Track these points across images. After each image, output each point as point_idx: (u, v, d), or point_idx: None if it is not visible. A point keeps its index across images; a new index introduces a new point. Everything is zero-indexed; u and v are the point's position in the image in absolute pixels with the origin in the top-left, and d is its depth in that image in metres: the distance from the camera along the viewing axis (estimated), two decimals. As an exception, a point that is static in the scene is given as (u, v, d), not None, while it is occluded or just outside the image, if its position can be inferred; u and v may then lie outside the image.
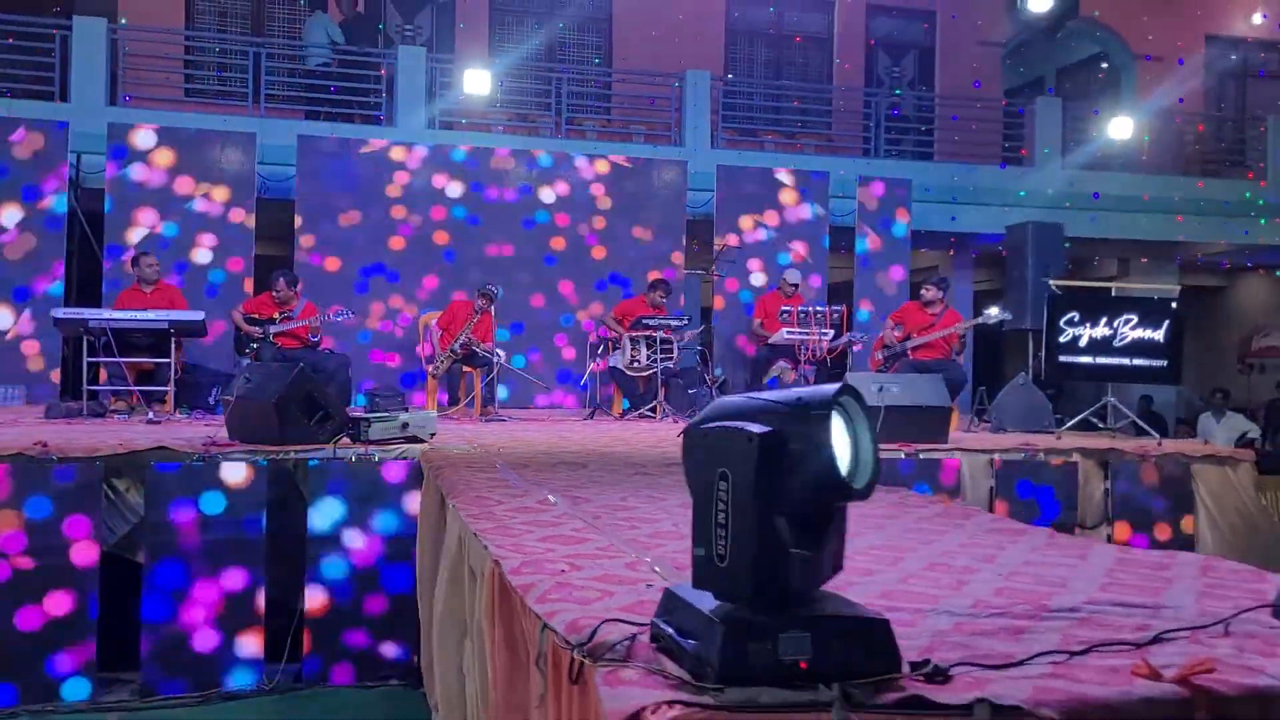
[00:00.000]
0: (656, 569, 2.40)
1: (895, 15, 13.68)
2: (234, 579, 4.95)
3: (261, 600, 4.99)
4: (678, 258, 9.88)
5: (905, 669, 1.61)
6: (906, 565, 2.53)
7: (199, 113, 10.24)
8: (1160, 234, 12.02)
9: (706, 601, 1.65)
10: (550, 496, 3.56)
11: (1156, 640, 1.86)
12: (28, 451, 4.85)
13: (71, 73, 9.95)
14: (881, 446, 5.42)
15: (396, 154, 9.52)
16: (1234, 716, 1.58)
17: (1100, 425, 7.14)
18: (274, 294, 7.97)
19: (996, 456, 6.15)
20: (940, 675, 1.62)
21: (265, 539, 5.03)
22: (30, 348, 8.61)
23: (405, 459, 5.28)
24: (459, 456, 4.96)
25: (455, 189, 9.59)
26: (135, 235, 8.84)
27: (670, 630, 1.67)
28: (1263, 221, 12.14)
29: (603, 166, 9.91)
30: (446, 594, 3.42)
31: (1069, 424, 7.09)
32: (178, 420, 7.08)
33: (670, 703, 1.48)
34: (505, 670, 2.42)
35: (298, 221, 9.20)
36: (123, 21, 10.97)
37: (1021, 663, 1.71)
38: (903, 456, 5.98)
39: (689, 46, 12.33)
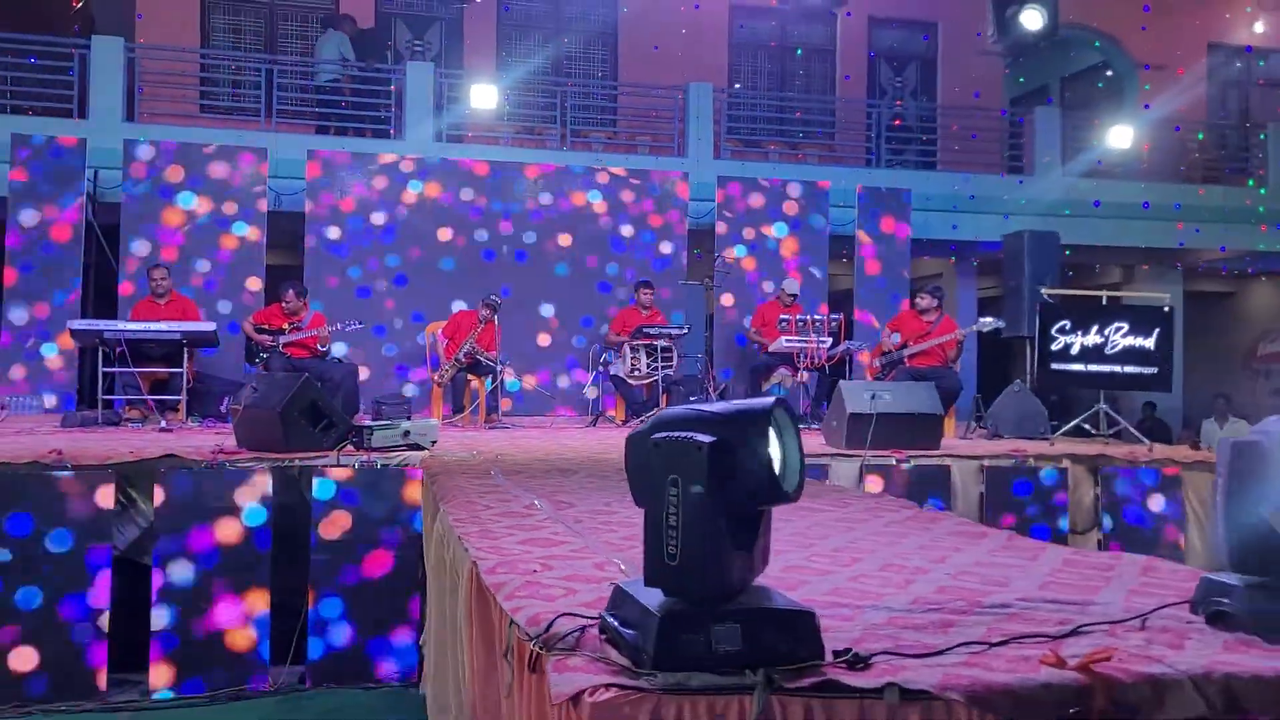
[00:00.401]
0: (623, 568, 2.55)
1: (897, 27, 13.83)
2: (241, 584, 5.12)
3: (267, 604, 5.16)
4: (679, 267, 10.05)
5: (828, 657, 1.76)
6: (862, 565, 2.67)
7: (213, 128, 10.48)
8: (1160, 241, 12.11)
9: (651, 597, 1.80)
10: (535, 501, 3.71)
11: (1075, 633, 2.00)
12: (43, 459, 5.05)
13: (90, 90, 10.21)
14: (874, 453, 5.53)
15: (405, 167, 9.73)
16: (1129, 701, 1.72)
17: (1093, 432, 7.24)
18: (284, 305, 8.17)
19: (986, 462, 6.26)
20: (860, 663, 1.76)
21: (272, 544, 5.20)
22: (48, 359, 8.85)
23: (407, 466, 5.45)
24: (456, 463, 5.12)
25: (462, 201, 9.79)
26: (149, 248, 9.07)
27: (615, 623, 1.82)
28: (1264, 228, 12.20)
29: (606, 178, 10.09)
30: (436, 596, 3.58)
31: (1061, 430, 7.20)
32: (189, 428, 7.28)
33: (607, 685, 1.63)
34: (481, 665, 2.57)
35: (307, 233, 9.42)
36: (139, 41, 11.22)
37: (941, 652, 1.85)
38: (894, 463, 6.12)
39: (693, 59, 12.50)
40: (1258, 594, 1.99)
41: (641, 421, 2.59)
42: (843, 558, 2.77)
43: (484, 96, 10.83)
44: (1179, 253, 12.71)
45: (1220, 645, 1.94)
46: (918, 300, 8.33)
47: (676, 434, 1.77)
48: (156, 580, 5.03)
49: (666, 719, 1.60)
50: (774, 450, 1.80)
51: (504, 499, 3.83)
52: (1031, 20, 7.44)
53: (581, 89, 12.55)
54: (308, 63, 11.48)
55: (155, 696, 4.96)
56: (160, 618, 5.00)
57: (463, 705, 2.92)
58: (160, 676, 4.98)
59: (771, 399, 1.86)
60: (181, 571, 5.05)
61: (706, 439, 1.74)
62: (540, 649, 1.87)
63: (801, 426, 8.03)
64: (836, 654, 1.78)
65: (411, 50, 12.10)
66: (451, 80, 11.26)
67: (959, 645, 1.89)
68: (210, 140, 9.63)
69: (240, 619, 5.11)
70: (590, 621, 1.91)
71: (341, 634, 5.21)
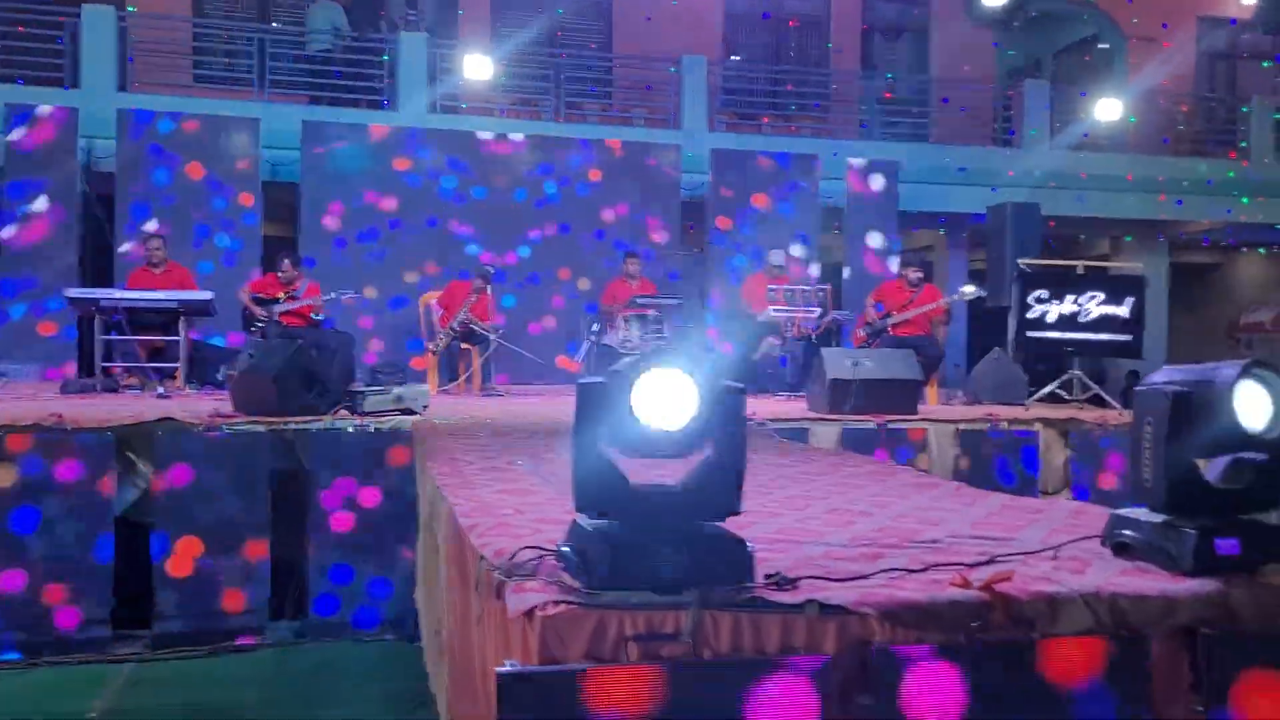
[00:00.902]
0: (520, 463, 2.73)
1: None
2: (240, 540, 5.32)
3: (267, 560, 5.36)
4: (669, 238, 10.21)
5: (759, 580, 1.96)
6: (812, 510, 2.87)
7: (206, 98, 10.59)
8: (1144, 213, 12.27)
9: (602, 527, 1.99)
10: (517, 459, 3.91)
11: (990, 563, 2.19)
12: (44, 423, 5.23)
13: (82, 60, 10.30)
14: (854, 418, 5.71)
15: (398, 138, 9.87)
16: (1026, 616, 1.92)
17: (1067, 397, 7.44)
18: (280, 274, 8.33)
19: (961, 426, 6.46)
20: (788, 584, 1.96)
21: (269, 502, 5.40)
22: (46, 327, 9.02)
23: (399, 430, 5.64)
24: (445, 426, 5.32)
25: (455, 172, 9.93)
26: (143, 218, 9.21)
27: (569, 551, 2.02)
28: (1245, 200, 12.36)
29: (601, 150, 10.23)
30: (424, 546, 3.79)
31: (1036, 396, 7.40)
32: (187, 394, 7.45)
33: (556, 602, 1.82)
34: (459, 602, 2.78)
35: (302, 204, 9.56)
36: (131, 9, 11.30)
37: (864, 577, 2.04)
38: (873, 427, 6.32)
39: (687, 31, 12.60)
40: (1159, 529, 2.19)
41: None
42: (796, 503, 2.97)
43: (478, 67, 10.94)
44: (1163, 224, 12.88)
45: (1118, 571, 2.14)
46: (907, 273, 8.52)
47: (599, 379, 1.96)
48: (156, 538, 5.21)
49: (608, 630, 1.79)
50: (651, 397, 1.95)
51: (487, 456, 4.02)
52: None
53: (576, 60, 12.65)
54: (300, 33, 11.58)
55: (157, 648, 5.16)
56: (162, 574, 5.19)
57: (443, 646, 3.13)
58: (162, 629, 5.17)
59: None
60: (180, 530, 5.23)
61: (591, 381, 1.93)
62: (504, 577, 2.07)
63: (790, 394, 8.23)
64: (767, 577, 1.98)
65: (406, 20, 12.19)
66: (445, 51, 11.36)
67: (881, 572, 2.09)
68: (204, 110, 9.75)
69: (240, 574, 5.30)
70: (549, 552, 2.11)
71: (337, 590, 5.40)
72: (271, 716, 4.33)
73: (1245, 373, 2.09)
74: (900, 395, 6.64)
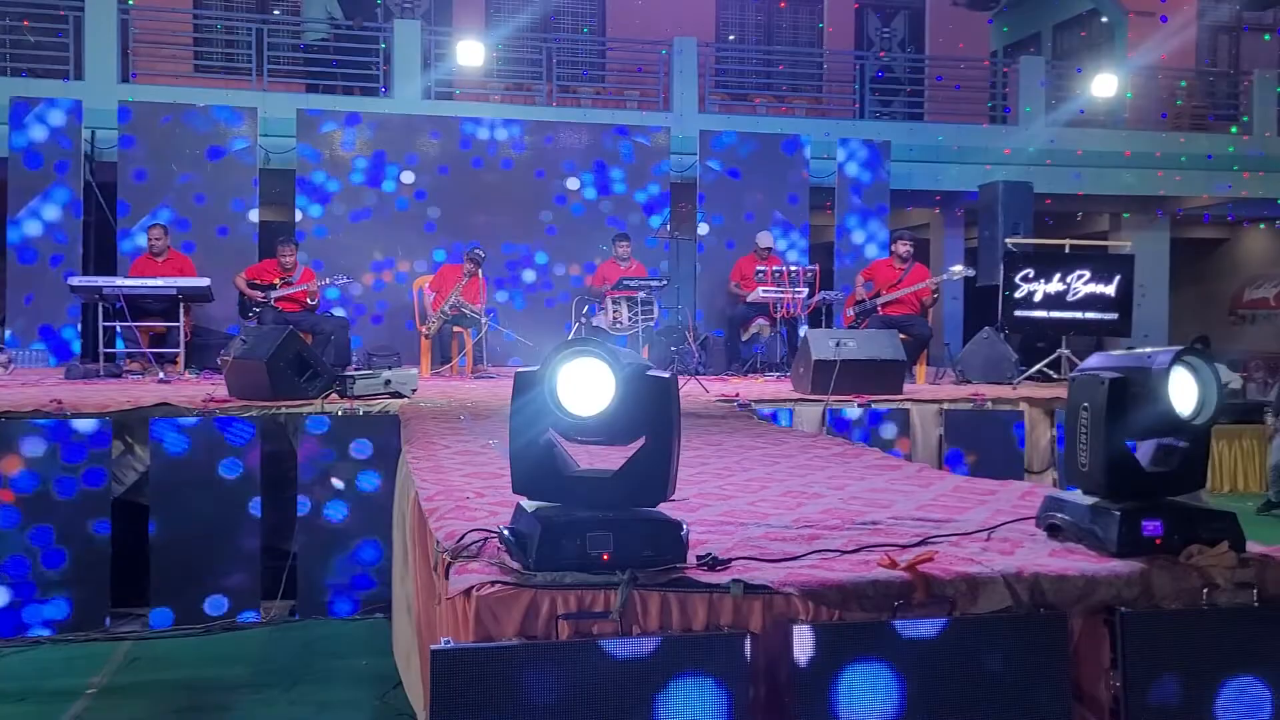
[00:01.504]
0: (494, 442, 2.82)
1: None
2: (233, 522, 5.43)
3: (258, 542, 5.48)
4: (660, 219, 10.26)
5: (691, 561, 2.04)
6: (766, 492, 2.95)
7: (205, 88, 10.67)
8: (1142, 189, 12.23)
9: (541, 511, 2.08)
10: (491, 442, 3.99)
11: (923, 544, 2.27)
12: (44, 408, 5.35)
13: (84, 51, 10.38)
14: (837, 398, 5.78)
15: (393, 124, 9.93)
16: (947, 595, 2.00)
17: (1055, 376, 7.49)
18: (280, 260, 8.43)
19: (945, 406, 6.52)
20: (720, 564, 2.05)
21: (260, 486, 5.51)
22: (51, 314, 9.15)
23: (388, 413, 5.74)
24: (429, 409, 5.41)
25: (449, 157, 9.99)
26: (145, 207, 9.31)
27: (510, 534, 2.10)
28: (1246, 175, 12.32)
29: (592, 133, 10.27)
30: (398, 528, 3.89)
31: (1024, 375, 7.45)
32: (186, 379, 7.58)
33: (493, 582, 1.92)
34: (425, 581, 2.87)
35: (298, 190, 9.65)
36: (131, 1, 11.37)
37: (795, 558, 2.13)
38: (856, 406, 6.38)
39: (681, 12, 12.58)
40: (1087, 511, 2.26)
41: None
42: (752, 486, 3.05)
43: (471, 53, 10.98)
44: (1161, 201, 12.84)
45: (1046, 552, 2.22)
46: (896, 247, 8.53)
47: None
48: (153, 520, 5.33)
49: (541, 608, 1.89)
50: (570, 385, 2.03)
51: (463, 439, 4.12)
52: None
53: (569, 44, 12.66)
54: (297, 22, 11.62)
55: (154, 628, 5.29)
56: (159, 555, 5.31)
57: (414, 623, 3.23)
58: (159, 608, 5.31)
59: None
60: (176, 511, 5.35)
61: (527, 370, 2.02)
62: (450, 558, 2.16)
63: (779, 375, 8.28)
64: (699, 558, 2.06)
65: (400, 8, 12.22)
66: (439, 37, 11.39)
67: (813, 552, 2.17)
68: (203, 100, 9.83)
69: (234, 556, 5.42)
70: (492, 534, 2.20)
71: (326, 570, 5.52)
72: (263, 689, 4.45)
73: (1177, 360, 2.15)
74: (885, 375, 6.70)
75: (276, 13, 12.33)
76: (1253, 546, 2.21)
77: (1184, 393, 2.19)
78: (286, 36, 11.43)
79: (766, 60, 13.20)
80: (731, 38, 13.47)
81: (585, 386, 1.95)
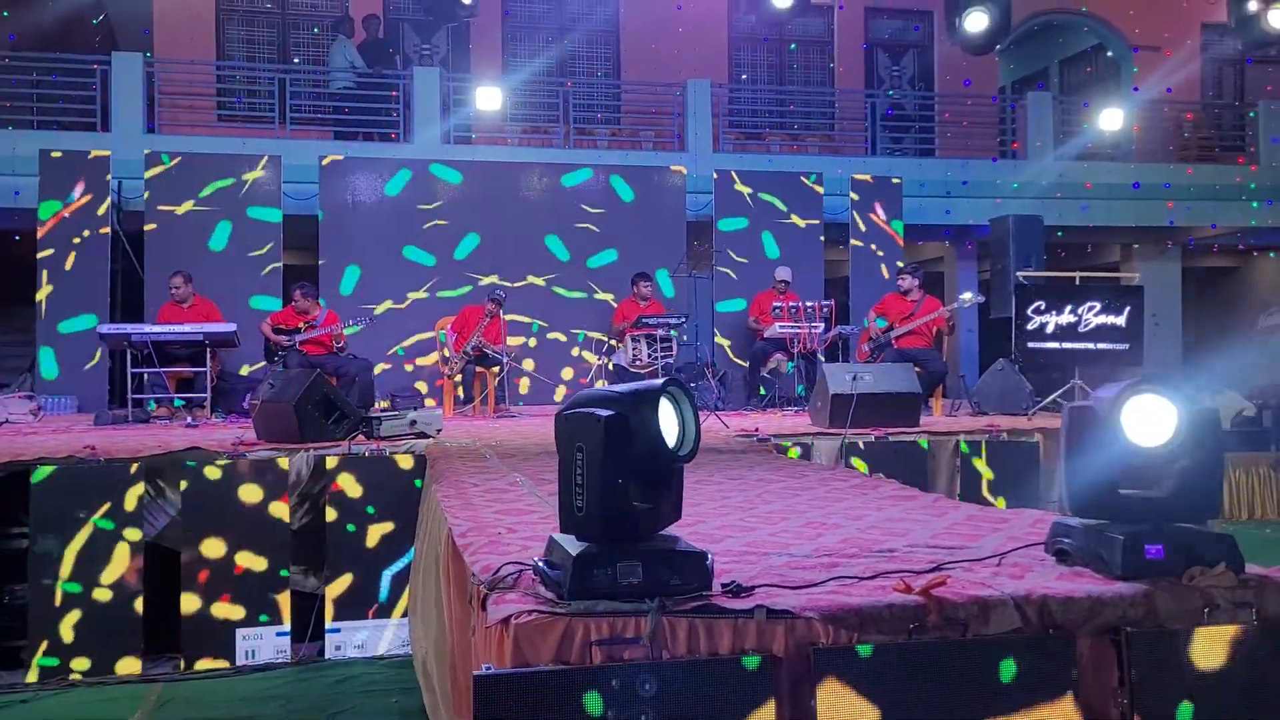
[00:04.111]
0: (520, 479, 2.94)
1: (893, 16, 14.12)
2: (262, 564, 5.55)
3: (287, 582, 5.59)
4: (677, 258, 10.42)
5: (716, 589, 2.15)
6: (787, 524, 3.05)
7: (230, 137, 10.96)
8: (1151, 220, 12.36)
9: (574, 543, 2.19)
10: (518, 479, 4.11)
11: (938, 569, 2.37)
12: (78, 454, 5.50)
13: (112, 104, 10.70)
14: (854, 430, 5.89)
15: (413, 169, 10.17)
16: (959, 618, 2.10)
17: (1069, 407, 7.55)
18: (295, 305, 8.62)
19: (961, 438, 6.60)
20: (743, 591, 2.15)
21: (290, 527, 5.63)
22: (80, 361, 9.36)
23: (413, 453, 5.86)
24: (455, 449, 5.54)
25: (469, 200, 10.21)
26: (171, 255, 9.55)
27: (544, 566, 2.22)
28: (1254, 205, 12.42)
29: (609, 174, 10.49)
30: (422, 566, 4.00)
31: (1039, 406, 7.53)
32: (214, 423, 7.74)
33: (530, 611, 2.03)
34: (458, 615, 2.98)
35: (321, 235, 9.88)
36: (158, 55, 11.72)
37: (815, 585, 2.23)
38: (873, 439, 6.47)
39: (694, 55, 12.85)
40: (1091, 534, 2.36)
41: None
42: (773, 518, 3.16)
43: (489, 99, 11.24)
44: (1171, 231, 12.95)
45: (1055, 575, 2.31)
46: (899, 282, 8.67)
47: (581, 409, 2.17)
48: (184, 563, 5.45)
49: (575, 635, 1.99)
50: (668, 421, 2.19)
51: (490, 478, 4.24)
52: (976, 23, 7.70)
53: (585, 87, 12.93)
54: (318, 71, 11.93)
55: (186, 669, 5.40)
56: (190, 597, 5.43)
57: (444, 654, 3.33)
58: (190, 650, 5.41)
59: (663, 379, 2.25)
60: (207, 554, 5.47)
61: (604, 413, 2.13)
62: (487, 590, 2.27)
63: (797, 409, 8.39)
64: (724, 585, 2.17)
65: (420, 55, 12.52)
66: (458, 84, 11.67)
67: (832, 579, 2.28)
68: (227, 149, 10.10)
69: (263, 597, 5.53)
70: (527, 566, 2.31)
71: (355, 610, 5.62)
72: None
73: (1134, 388, 2.25)
74: (901, 408, 6.80)
75: (297, 60, 12.65)
76: (1251, 568, 2.30)
77: (1154, 420, 2.28)
78: (308, 86, 11.72)
79: (779, 100, 13.43)
80: (744, 77, 13.72)
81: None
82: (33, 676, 5.18)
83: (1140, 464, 2.26)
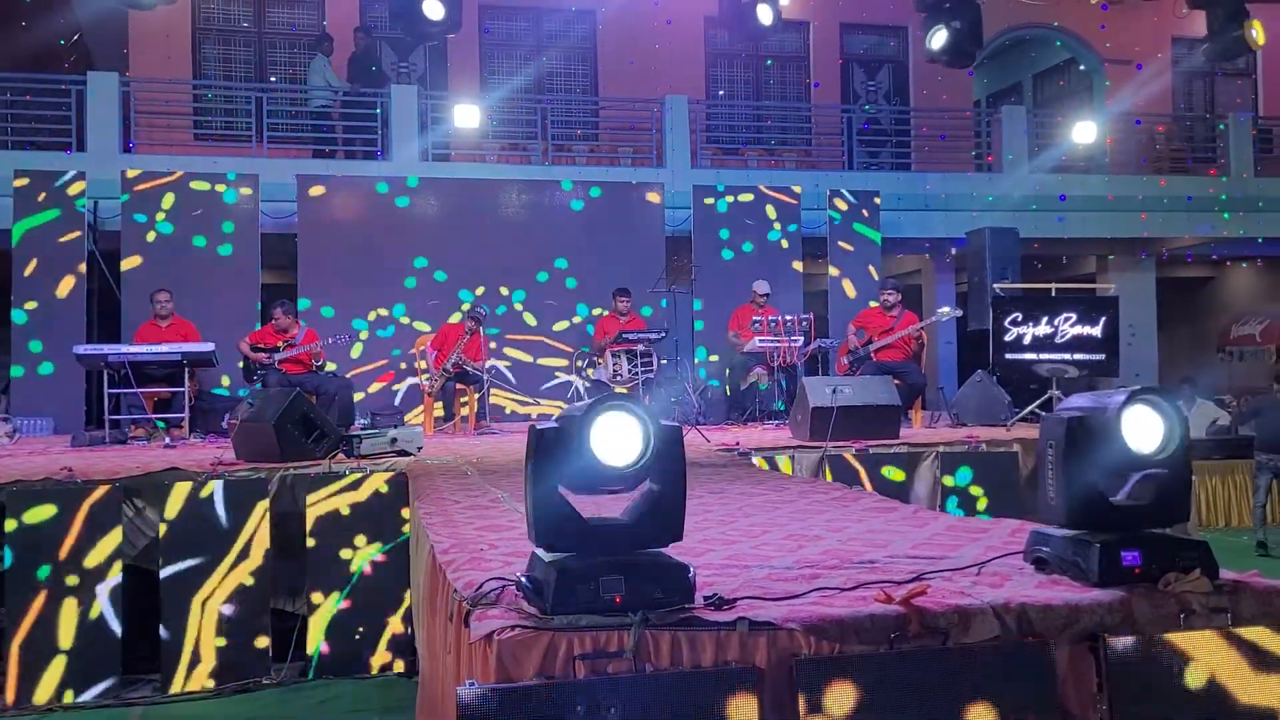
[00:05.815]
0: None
1: (868, 32, 14.26)
2: (243, 584, 5.50)
3: (269, 603, 5.54)
4: (656, 273, 10.45)
5: (698, 601, 2.16)
6: (769, 536, 3.07)
7: (206, 155, 10.92)
8: (1125, 231, 12.51)
9: (556, 558, 2.20)
10: (500, 495, 4.11)
11: (918, 579, 2.39)
12: (55, 476, 5.45)
13: (87, 123, 10.64)
14: (835, 444, 5.91)
15: (391, 186, 10.17)
16: (940, 626, 2.12)
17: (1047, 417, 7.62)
18: (274, 324, 8.59)
19: (941, 449, 6.64)
20: (725, 604, 2.16)
21: (270, 547, 5.58)
22: (56, 382, 9.28)
23: (394, 471, 5.84)
24: (437, 466, 5.53)
25: (446, 217, 10.21)
26: (147, 274, 9.49)
27: (526, 581, 2.22)
28: (1226, 215, 12.60)
29: (587, 190, 10.52)
30: (415, 586, 3.99)
31: (1016, 417, 7.59)
32: (192, 444, 7.68)
33: (512, 626, 2.03)
34: (433, 633, 2.98)
35: (299, 254, 9.85)
36: (133, 74, 11.67)
37: (796, 596, 2.25)
38: (854, 451, 6.50)
39: (672, 71, 12.92)
40: (1069, 543, 2.39)
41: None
42: (754, 530, 3.17)
43: (467, 116, 11.26)
44: (1145, 242, 13.11)
45: (1033, 584, 2.34)
46: (884, 297, 8.72)
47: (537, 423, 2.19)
48: (163, 584, 5.40)
49: (559, 649, 2.00)
50: (613, 436, 2.17)
51: (472, 495, 4.23)
52: (938, 40, 7.82)
53: (563, 104, 12.98)
54: (295, 90, 11.92)
55: (164, 691, 5.34)
56: (168, 618, 5.38)
57: (433, 674, 3.32)
58: (169, 672, 5.36)
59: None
60: (185, 575, 5.43)
61: (545, 425, 2.15)
62: (470, 606, 2.27)
63: (778, 423, 8.42)
64: (706, 598, 2.18)
65: (397, 72, 12.53)
66: (436, 101, 11.69)
67: (813, 590, 2.29)
68: (204, 168, 10.06)
69: (244, 617, 5.48)
70: (510, 582, 2.32)
71: (338, 630, 5.58)
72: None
73: (1133, 399, 2.29)
74: (881, 420, 6.84)
75: (274, 79, 12.64)
76: (1226, 574, 2.33)
77: (1144, 429, 2.32)
78: (285, 104, 11.71)
79: (756, 115, 13.53)
80: (722, 93, 13.81)
81: (617, 438, 2.10)
82: (11, 698, 5.12)
83: (1135, 473, 2.29)
